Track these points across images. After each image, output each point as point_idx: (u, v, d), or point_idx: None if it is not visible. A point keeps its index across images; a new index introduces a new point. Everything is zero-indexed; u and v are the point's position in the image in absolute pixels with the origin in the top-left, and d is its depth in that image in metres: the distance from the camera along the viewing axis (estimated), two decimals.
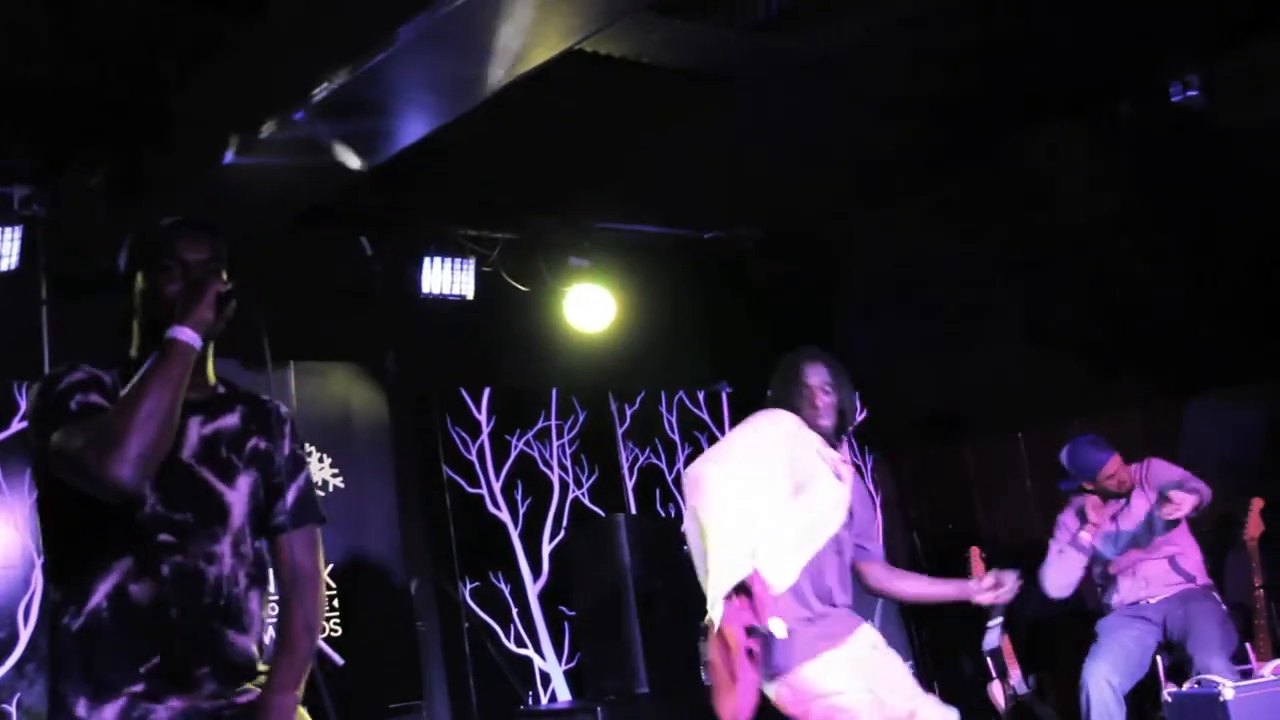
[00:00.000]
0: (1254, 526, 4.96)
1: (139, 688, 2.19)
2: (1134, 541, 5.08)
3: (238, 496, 2.35)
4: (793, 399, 3.69)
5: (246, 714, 2.30)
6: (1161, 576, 5.05)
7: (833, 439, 3.71)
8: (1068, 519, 5.23)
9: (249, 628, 2.33)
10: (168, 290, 2.29)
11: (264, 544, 2.43)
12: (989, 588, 3.74)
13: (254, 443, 2.41)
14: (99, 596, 2.20)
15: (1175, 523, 4.98)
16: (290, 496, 2.44)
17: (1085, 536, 5.08)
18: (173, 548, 2.24)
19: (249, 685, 2.33)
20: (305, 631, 2.39)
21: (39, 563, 4.59)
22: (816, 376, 3.69)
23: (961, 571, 5.63)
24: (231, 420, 2.38)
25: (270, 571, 2.44)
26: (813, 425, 3.67)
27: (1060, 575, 5.15)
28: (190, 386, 2.25)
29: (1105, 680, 4.82)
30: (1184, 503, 4.86)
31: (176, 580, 2.23)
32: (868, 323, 6.53)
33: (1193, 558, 5.08)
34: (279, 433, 2.45)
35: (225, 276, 2.34)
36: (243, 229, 4.60)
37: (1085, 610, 5.25)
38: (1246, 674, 4.32)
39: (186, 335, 2.20)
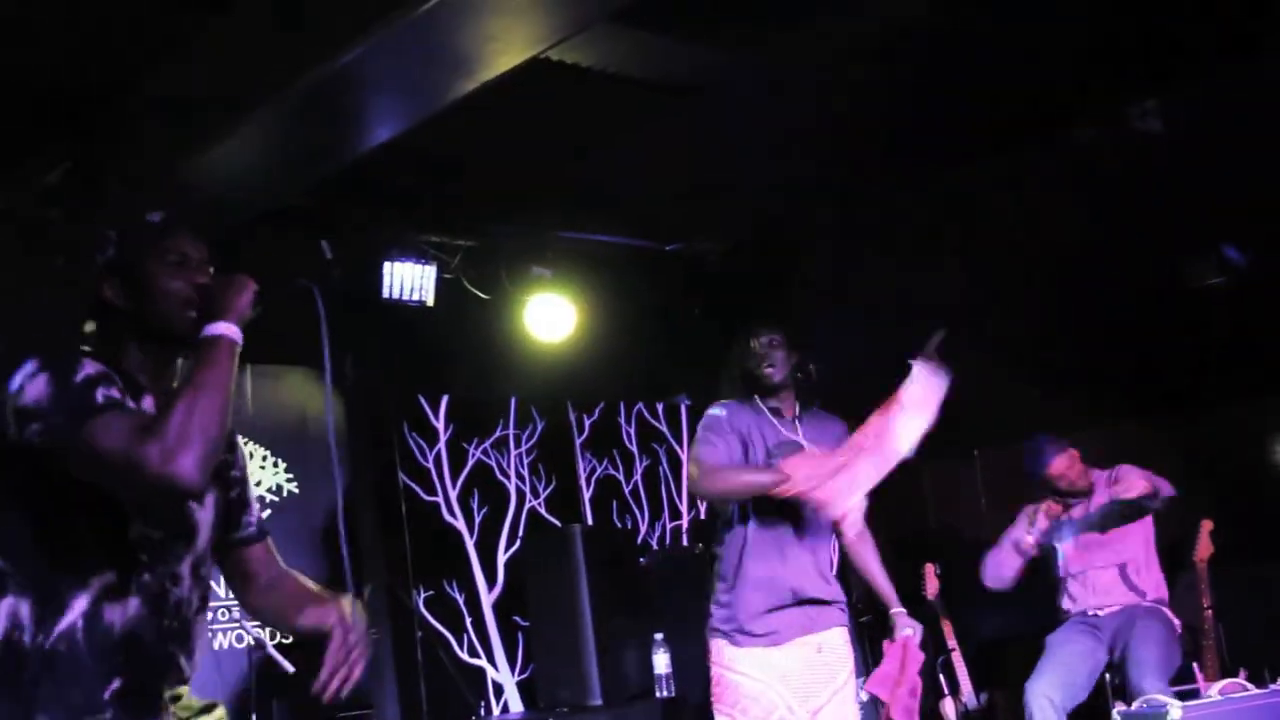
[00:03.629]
0: (1204, 549, 5.01)
1: (107, 714, 2.06)
2: (1088, 526, 5.10)
3: (205, 515, 2.24)
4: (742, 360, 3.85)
5: None
6: (1111, 586, 5.08)
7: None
8: (1022, 517, 5.26)
9: (194, 652, 2.22)
10: (171, 286, 2.17)
11: (228, 557, 2.35)
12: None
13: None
14: (74, 615, 2.04)
15: (1130, 511, 5.02)
16: (255, 508, 2.40)
17: (1028, 540, 5.14)
18: (147, 566, 2.12)
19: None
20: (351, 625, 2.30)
21: None
22: (762, 335, 3.85)
23: (916, 587, 5.67)
24: None
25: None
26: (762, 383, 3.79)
27: (994, 568, 5.24)
28: (159, 392, 2.17)
29: (1046, 697, 4.85)
30: (1132, 481, 4.90)
31: (149, 601, 2.11)
32: (828, 339, 6.54)
33: (1146, 572, 5.11)
34: (232, 445, 2.35)
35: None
36: (203, 230, 4.57)
37: (1037, 628, 5.28)
38: (1186, 695, 4.36)
39: (234, 332, 2.11)
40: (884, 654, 3.92)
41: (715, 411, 3.78)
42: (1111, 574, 5.10)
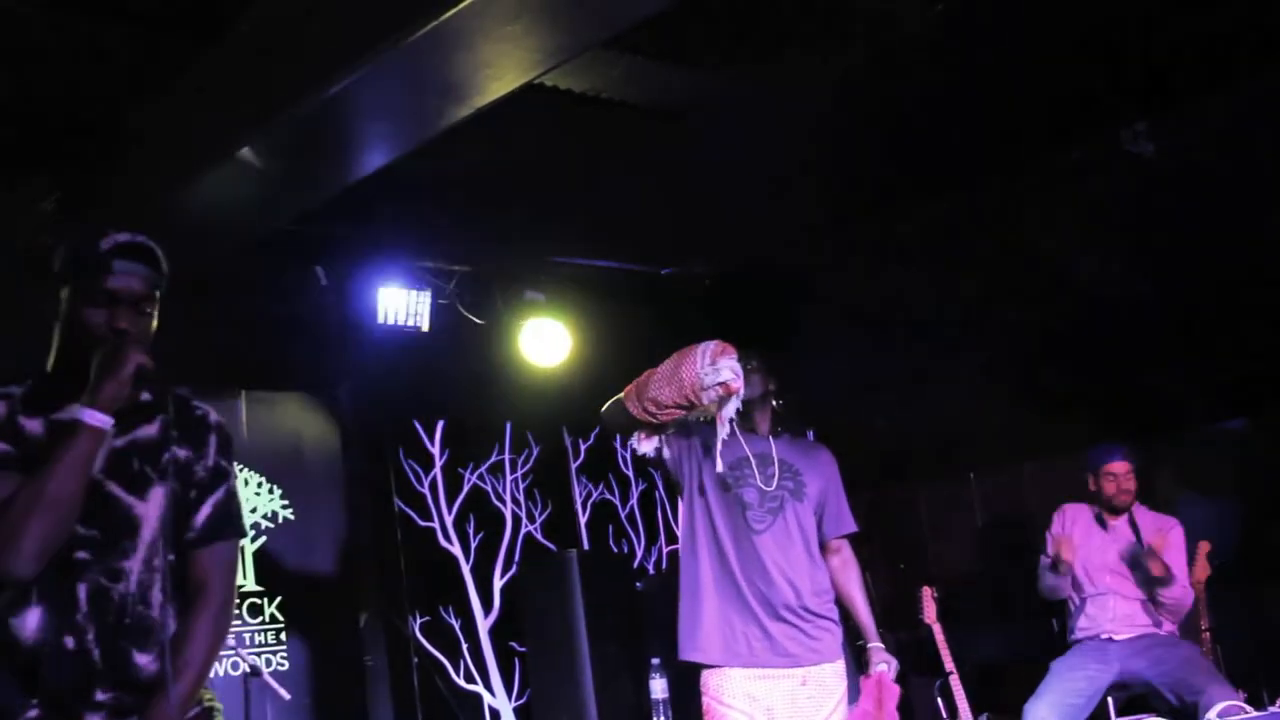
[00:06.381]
0: (1201, 570, 4.99)
1: (34, 714, 2.09)
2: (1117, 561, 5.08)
3: (149, 509, 2.24)
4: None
5: None
6: (1133, 614, 5.03)
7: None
8: (1053, 532, 5.20)
9: (159, 644, 2.21)
10: (91, 319, 2.20)
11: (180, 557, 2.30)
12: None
13: (172, 453, 2.26)
14: None
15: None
16: (205, 511, 2.32)
17: (1059, 572, 5.09)
18: (87, 565, 2.15)
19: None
20: (189, 665, 2.21)
21: None
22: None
23: (913, 611, 5.65)
24: (149, 430, 2.26)
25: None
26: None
27: (1051, 591, 5.20)
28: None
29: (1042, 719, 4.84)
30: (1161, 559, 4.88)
31: (90, 599, 2.15)
32: (823, 360, 6.56)
33: None
34: (203, 441, 2.34)
35: (156, 308, 2.25)
36: (198, 256, 4.57)
37: (1036, 651, 5.26)
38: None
39: (97, 419, 2.11)
40: (860, 690, 3.92)
41: None
42: (1134, 604, 5.04)
